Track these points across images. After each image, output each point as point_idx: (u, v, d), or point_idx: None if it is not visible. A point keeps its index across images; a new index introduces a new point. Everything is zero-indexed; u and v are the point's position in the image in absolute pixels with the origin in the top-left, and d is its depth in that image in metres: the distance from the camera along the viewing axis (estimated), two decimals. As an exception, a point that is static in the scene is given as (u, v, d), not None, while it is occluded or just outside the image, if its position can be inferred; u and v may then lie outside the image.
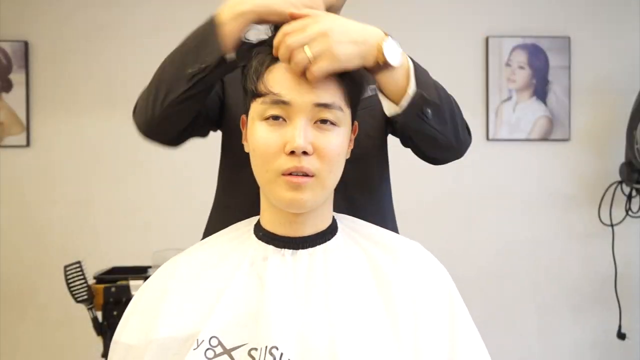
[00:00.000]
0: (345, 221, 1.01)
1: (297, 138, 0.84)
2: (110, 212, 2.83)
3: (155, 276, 0.98)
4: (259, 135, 0.88)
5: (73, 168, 2.84)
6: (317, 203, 0.90)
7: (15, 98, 2.80)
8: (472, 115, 2.89)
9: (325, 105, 0.87)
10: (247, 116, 0.94)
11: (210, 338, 0.85)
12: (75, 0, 2.84)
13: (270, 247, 0.93)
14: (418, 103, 0.94)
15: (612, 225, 2.84)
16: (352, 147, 0.97)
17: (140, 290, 0.98)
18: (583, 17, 2.94)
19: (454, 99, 1.06)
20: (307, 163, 0.86)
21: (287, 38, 0.86)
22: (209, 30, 0.99)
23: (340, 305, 0.87)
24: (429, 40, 2.88)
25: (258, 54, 0.92)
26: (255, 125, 0.89)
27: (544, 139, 2.92)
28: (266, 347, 0.83)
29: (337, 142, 0.88)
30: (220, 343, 0.85)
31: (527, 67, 2.91)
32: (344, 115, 0.90)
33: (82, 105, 2.84)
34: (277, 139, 0.86)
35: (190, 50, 1.00)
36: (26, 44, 2.82)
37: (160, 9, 2.85)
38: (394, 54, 0.91)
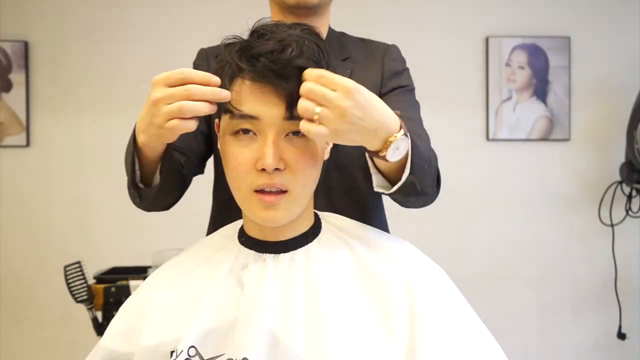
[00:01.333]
0: (331, 220, 1.00)
1: (267, 156, 0.82)
2: (110, 212, 2.83)
3: (142, 284, 0.98)
4: (230, 151, 0.86)
5: (73, 168, 2.84)
6: (292, 217, 0.89)
7: (15, 98, 2.80)
8: (472, 115, 2.89)
9: (296, 118, 0.82)
10: (219, 121, 0.92)
11: (189, 348, 0.84)
12: (75, 0, 2.84)
13: (252, 252, 0.93)
14: (408, 186, 0.90)
15: (612, 225, 2.84)
16: (330, 145, 0.95)
17: (130, 297, 0.98)
18: (583, 17, 2.94)
19: (434, 156, 1.04)
20: (280, 179, 0.84)
21: (309, 94, 0.79)
22: (129, 150, 0.94)
23: (321, 307, 0.85)
24: (429, 40, 2.88)
25: (217, 70, 0.87)
26: (226, 140, 0.88)
27: (544, 139, 2.92)
28: (243, 358, 0.82)
29: (309, 154, 0.86)
30: (198, 353, 0.85)
31: (527, 67, 2.91)
32: None
33: (82, 105, 2.84)
34: (248, 154, 0.84)
35: (127, 163, 0.97)
36: (26, 44, 2.82)
37: (159, 9, 2.85)
38: (398, 153, 0.85)
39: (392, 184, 0.91)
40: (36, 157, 2.83)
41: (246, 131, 0.85)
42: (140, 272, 2.12)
